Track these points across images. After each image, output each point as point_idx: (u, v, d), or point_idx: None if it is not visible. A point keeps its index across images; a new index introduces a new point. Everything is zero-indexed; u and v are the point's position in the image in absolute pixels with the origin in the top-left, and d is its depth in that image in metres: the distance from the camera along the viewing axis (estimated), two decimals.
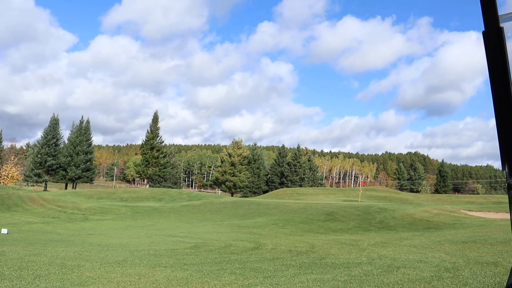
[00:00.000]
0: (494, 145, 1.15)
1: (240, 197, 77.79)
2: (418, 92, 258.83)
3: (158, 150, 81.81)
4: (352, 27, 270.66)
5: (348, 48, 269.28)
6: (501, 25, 1.12)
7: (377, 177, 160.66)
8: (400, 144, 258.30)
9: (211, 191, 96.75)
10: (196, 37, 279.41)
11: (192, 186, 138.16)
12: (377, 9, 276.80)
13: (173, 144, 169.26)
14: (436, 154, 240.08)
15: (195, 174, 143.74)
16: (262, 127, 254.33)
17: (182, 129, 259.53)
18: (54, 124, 76.46)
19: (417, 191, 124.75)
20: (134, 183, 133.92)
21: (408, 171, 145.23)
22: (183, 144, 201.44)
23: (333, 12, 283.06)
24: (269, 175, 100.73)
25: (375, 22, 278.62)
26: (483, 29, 1.15)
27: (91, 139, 78.80)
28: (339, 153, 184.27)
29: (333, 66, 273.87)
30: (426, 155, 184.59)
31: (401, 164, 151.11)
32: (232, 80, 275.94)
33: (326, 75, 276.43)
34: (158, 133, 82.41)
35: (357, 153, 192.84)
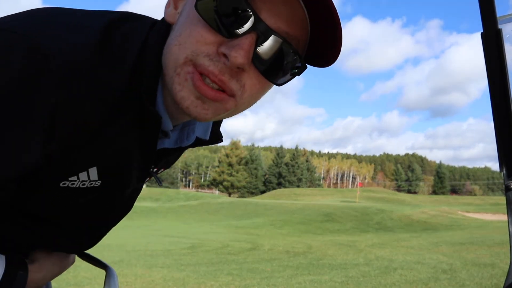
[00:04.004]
0: (495, 147, 1.15)
1: (237, 197, 77.80)
2: (422, 94, 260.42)
3: None
4: (361, 28, 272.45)
5: (355, 49, 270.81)
6: (500, 26, 1.12)
7: (375, 178, 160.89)
8: (401, 145, 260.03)
9: (208, 191, 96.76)
10: None
11: (189, 186, 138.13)
12: (388, 11, 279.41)
13: None
14: (437, 156, 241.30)
15: (192, 174, 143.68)
16: (265, 127, 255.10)
17: None
18: None
19: (415, 192, 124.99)
20: None
21: (406, 172, 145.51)
22: None
23: (344, 13, 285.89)
24: (267, 176, 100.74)
25: (385, 24, 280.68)
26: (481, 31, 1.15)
27: None
28: (337, 154, 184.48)
29: (339, 67, 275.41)
30: (424, 156, 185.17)
31: (398, 165, 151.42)
32: None
33: (332, 76, 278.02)
34: None
35: (355, 154, 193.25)
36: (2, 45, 0.57)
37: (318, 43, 0.67)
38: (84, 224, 0.83)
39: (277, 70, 0.66)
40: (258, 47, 0.62)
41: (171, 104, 0.70)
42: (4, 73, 0.55)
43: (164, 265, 8.05)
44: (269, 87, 0.70)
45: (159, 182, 0.89)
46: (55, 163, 0.63)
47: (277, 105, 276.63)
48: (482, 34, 1.13)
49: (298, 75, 0.69)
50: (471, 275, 6.82)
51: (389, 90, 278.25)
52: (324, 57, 0.69)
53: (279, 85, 0.68)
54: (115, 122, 0.65)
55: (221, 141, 0.91)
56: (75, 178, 0.67)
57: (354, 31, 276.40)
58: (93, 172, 0.68)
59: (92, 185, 0.70)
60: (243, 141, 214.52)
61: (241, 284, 6.29)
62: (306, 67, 0.69)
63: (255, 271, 7.56)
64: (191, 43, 0.62)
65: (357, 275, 7.04)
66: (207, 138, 0.86)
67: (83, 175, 0.67)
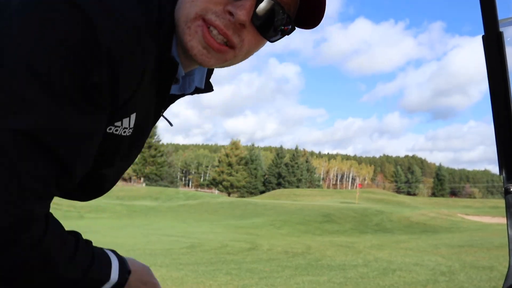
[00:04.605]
0: (495, 150, 1.16)
1: (237, 197, 77.78)
2: (424, 95, 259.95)
3: (155, 149, 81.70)
4: (364, 30, 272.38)
5: (357, 50, 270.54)
6: (501, 29, 1.12)
7: (374, 179, 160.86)
8: (401, 146, 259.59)
9: (208, 190, 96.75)
10: None
11: (188, 186, 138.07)
12: (391, 12, 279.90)
13: (171, 143, 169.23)
14: (437, 158, 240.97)
15: (192, 174, 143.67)
16: (265, 127, 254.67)
17: (185, 128, 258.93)
18: None
19: (414, 194, 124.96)
20: (131, 181, 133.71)
21: (405, 174, 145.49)
22: (184, 143, 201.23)
23: (347, 14, 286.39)
24: (267, 176, 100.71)
25: (388, 26, 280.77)
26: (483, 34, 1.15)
27: None
28: (337, 154, 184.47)
29: (341, 68, 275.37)
30: (424, 158, 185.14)
31: (398, 167, 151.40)
32: (239, 80, 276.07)
33: (333, 77, 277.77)
34: (156, 132, 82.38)
35: (355, 155, 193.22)
36: (63, 18, 0.62)
37: (306, 9, 0.81)
38: (108, 171, 0.87)
39: (270, 29, 0.79)
40: (257, 9, 0.75)
41: (182, 54, 0.81)
42: (72, 44, 0.62)
43: (163, 264, 8.06)
44: (263, 44, 0.84)
45: (170, 123, 1.03)
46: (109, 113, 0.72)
47: (278, 105, 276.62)
48: (483, 37, 1.13)
49: (288, 34, 0.83)
50: (469, 277, 6.82)
51: (390, 92, 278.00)
52: (309, 21, 0.83)
53: (271, 41, 0.82)
54: (148, 73, 0.74)
55: (213, 90, 1.02)
56: (119, 123, 0.75)
57: (356, 32, 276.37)
58: (133, 118, 0.77)
59: (125, 134, 0.78)
60: (243, 141, 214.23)
61: (240, 284, 6.29)
62: (295, 28, 0.82)
63: (253, 271, 7.57)
64: (202, 1, 0.74)
65: (355, 276, 7.04)
66: (203, 87, 0.97)
67: (125, 121, 0.76)
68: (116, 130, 0.75)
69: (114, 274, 0.82)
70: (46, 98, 0.61)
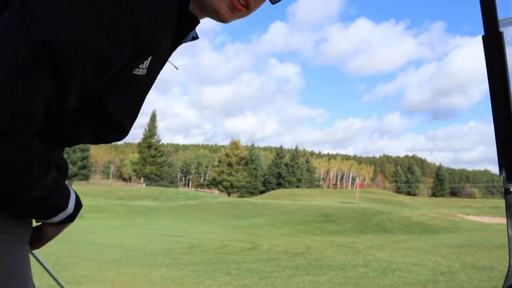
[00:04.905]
0: (495, 149, 1.17)
1: (236, 197, 77.73)
2: (424, 96, 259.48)
3: (155, 149, 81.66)
4: (364, 30, 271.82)
5: (358, 50, 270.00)
6: (501, 29, 1.12)
7: (374, 179, 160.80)
8: (401, 147, 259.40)
9: (208, 190, 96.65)
10: (208, 36, 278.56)
11: (188, 186, 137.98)
12: (392, 12, 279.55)
13: (171, 143, 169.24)
14: (438, 158, 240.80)
15: (192, 174, 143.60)
16: (265, 128, 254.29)
17: (185, 128, 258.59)
18: None
19: (414, 194, 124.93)
20: (131, 181, 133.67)
21: (405, 174, 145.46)
22: (184, 143, 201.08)
23: (347, 14, 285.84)
24: (267, 176, 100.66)
25: (388, 26, 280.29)
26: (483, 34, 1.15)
27: None
28: (337, 155, 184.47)
29: (341, 69, 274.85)
30: (424, 158, 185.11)
31: (398, 167, 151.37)
32: (239, 80, 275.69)
33: (334, 77, 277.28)
34: (156, 132, 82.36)
35: (355, 155, 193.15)
36: None
37: None
38: (130, 112, 0.91)
39: None
40: None
41: (197, 10, 0.95)
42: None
43: (163, 264, 8.06)
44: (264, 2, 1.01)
45: (176, 67, 1.13)
46: (137, 55, 0.78)
47: (278, 105, 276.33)
48: (483, 37, 1.13)
49: None
50: (469, 277, 6.82)
51: (390, 92, 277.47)
52: None
53: (272, 3, 1.03)
54: (173, 23, 0.84)
55: (198, 38, 1.12)
56: (141, 65, 0.82)
57: (357, 32, 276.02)
58: (148, 60, 0.83)
59: (140, 73, 0.83)
60: (243, 141, 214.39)
61: (240, 284, 6.29)
62: None
63: (253, 271, 7.57)
64: None
65: (355, 276, 7.04)
66: (196, 36, 1.08)
67: (144, 63, 0.82)
68: (137, 71, 0.82)
69: (71, 205, 0.87)
70: (84, 21, 0.66)
